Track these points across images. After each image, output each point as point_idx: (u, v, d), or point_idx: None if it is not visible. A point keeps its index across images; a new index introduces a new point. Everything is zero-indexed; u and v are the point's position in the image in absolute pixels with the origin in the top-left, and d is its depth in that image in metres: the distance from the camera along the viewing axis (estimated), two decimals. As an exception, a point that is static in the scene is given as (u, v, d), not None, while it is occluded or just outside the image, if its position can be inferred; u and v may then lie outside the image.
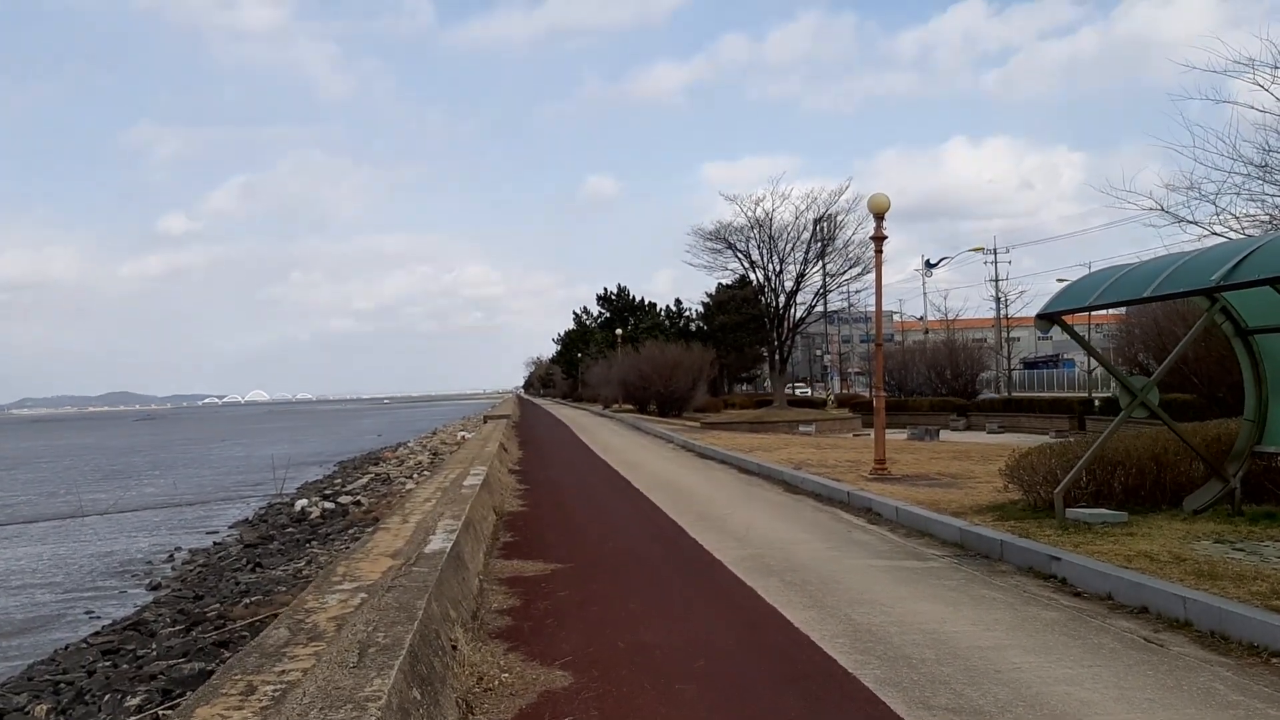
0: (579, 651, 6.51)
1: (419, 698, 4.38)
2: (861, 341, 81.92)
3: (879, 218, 16.42)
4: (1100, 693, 5.51)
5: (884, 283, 17.45)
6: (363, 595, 5.75)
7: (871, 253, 40.60)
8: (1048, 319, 11.00)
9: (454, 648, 5.73)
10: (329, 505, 26.61)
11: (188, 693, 9.80)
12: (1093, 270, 11.67)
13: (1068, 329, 11.57)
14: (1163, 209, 18.15)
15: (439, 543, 7.88)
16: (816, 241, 41.27)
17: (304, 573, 16.17)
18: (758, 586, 8.57)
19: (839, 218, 40.94)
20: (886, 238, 16.70)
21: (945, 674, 5.92)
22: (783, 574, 9.11)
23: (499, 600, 8.18)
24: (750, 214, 42.16)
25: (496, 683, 5.78)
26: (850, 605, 7.80)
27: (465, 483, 13.06)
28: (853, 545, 10.79)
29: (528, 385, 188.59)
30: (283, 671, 4.13)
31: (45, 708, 10.34)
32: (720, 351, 65.49)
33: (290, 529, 23.89)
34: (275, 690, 3.86)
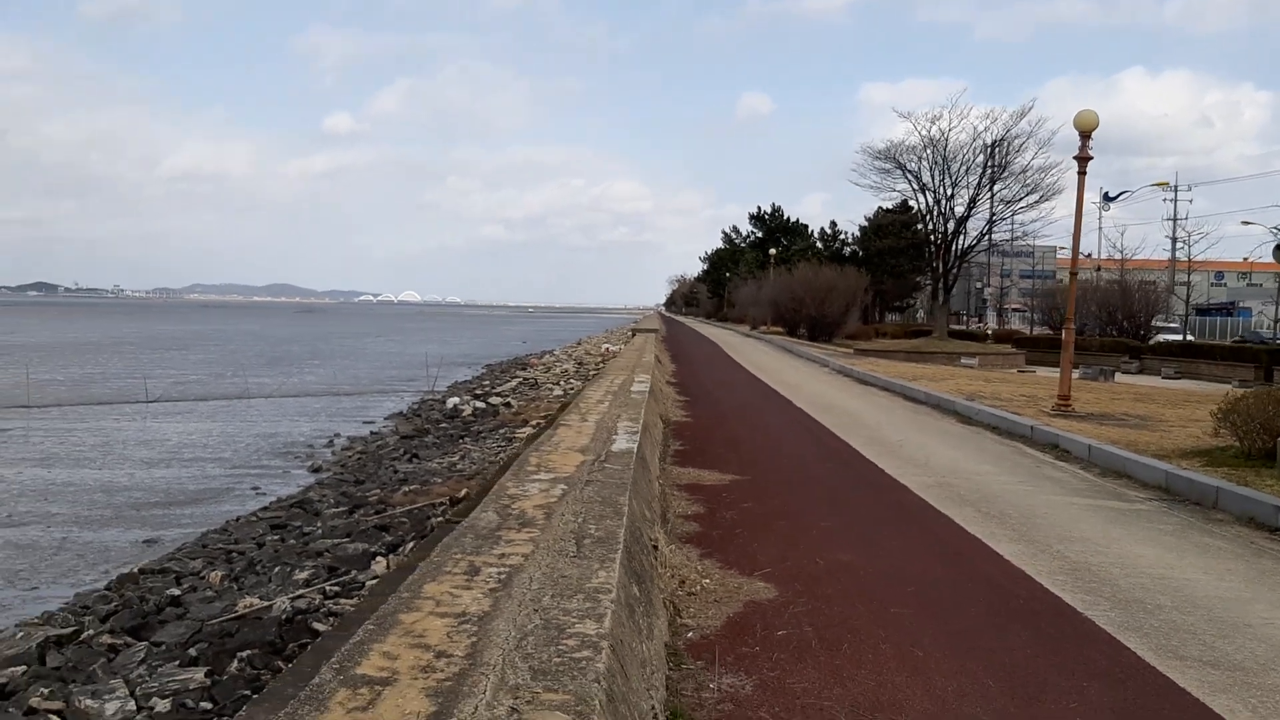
0: (776, 564, 6.15)
1: (638, 594, 4.09)
2: (1022, 276, 78.51)
3: (1085, 136, 15.21)
4: (1376, 659, 4.87)
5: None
6: (562, 487, 5.50)
7: (1050, 179, 38.65)
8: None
9: (655, 548, 5.44)
10: (480, 405, 26.93)
11: (353, 571, 9.91)
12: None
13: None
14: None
15: (624, 442, 7.61)
16: (991, 166, 39.13)
17: (458, 466, 16.29)
18: (953, 515, 8.06)
19: (1016, 142, 38.65)
20: (1091, 158, 15.46)
21: (1189, 623, 5.35)
22: (977, 504, 8.56)
23: (683, 506, 7.89)
24: (925, 133, 40.10)
25: (699, 587, 5.47)
26: (1060, 542, 7.23)
27: (633, 389, 12.82)
28: (1045, 480, 10.12)
29: (669, 303, 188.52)
30: (502, 555, 3.88)
31: (219, 574, 10.60)
32: (876, 278, 63.73)
33: (443, 424, 24.27)
34: (500, 573, 3.61)
